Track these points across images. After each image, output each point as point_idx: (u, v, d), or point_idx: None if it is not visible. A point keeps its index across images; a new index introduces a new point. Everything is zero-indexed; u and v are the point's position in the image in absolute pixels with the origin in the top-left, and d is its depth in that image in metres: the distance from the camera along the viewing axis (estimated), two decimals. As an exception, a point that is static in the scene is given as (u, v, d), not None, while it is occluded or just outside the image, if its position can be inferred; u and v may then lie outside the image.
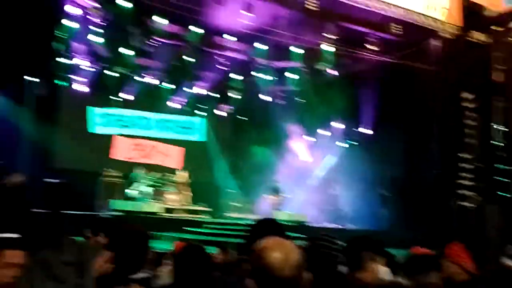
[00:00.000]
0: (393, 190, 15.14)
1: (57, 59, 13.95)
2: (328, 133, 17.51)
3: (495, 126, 11.29)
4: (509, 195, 11.70)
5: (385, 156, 14.98)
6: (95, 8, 12.12)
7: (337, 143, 17.57)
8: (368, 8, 10.53)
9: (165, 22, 12.96)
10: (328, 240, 2.73)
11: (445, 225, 11.84)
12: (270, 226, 2.55)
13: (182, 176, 16.13)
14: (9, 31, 11.31)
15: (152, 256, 2.63)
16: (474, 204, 11.80)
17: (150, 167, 16.23)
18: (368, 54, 12.84)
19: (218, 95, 17.94)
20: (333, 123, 17.22)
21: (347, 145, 17.48)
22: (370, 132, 16.27)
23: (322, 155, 18.06)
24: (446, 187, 12.40)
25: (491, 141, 11.38)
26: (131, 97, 16.54)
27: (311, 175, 18.04)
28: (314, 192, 17.36)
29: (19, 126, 13.73)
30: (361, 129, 16.55)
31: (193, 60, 14.91)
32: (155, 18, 12.86)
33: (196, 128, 18.78)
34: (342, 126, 17.24)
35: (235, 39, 13.73)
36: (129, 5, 12.17)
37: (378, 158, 15.12)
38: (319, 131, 17.75)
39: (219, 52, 14.98)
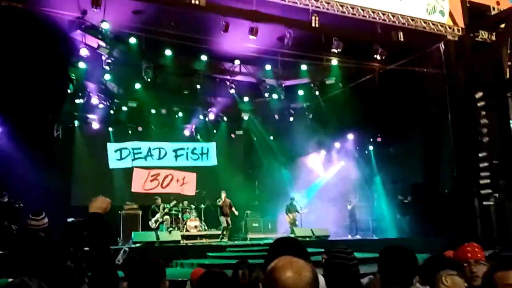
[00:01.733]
0: (413, 196, 15.10)
1: (75, 100, 14.30)
2: (343, 145, 17.62)
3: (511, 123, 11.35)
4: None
5: (402, 163, 15.01)
6: (104, 47, 12.41)
7: (350, 154, 17.64)
8: (372, 20, 10.74)
9: (173, 53, 13.26)
10: (343, 252, 2.84)
11: (468, 226, 11.78)
12: (288, 244, 2.50)
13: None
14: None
15: (168, 285, 2.69)
16: (494, 202, 11.74)
17: (169, 196, 16.34)
18: (375, 64, 13.01)
19: (228, 119, 18.16)
20: (347, 135, 17.33)
21: (361, 155, 17.54)
22: (385, 140, 16.32)
23: (338, 168, 18.12)
24: (466, 188, 12.38)
25: (509, 138, 11.40)
26: (146, 129, 16.83)
27: (328, 189, 18.06)
28: (333, 206, 17.36)
29: (38, 167, 13.96)
30: (375, 138, 16.62)
31: (203, 87, 15.15)
32: (163, 50, 13.17)
33: (209, 153, 18.94)
34: (357, 137, 17.34)
35: (243, 62, 13.95)
36: (136, 41, 12.56)
37: (393, 166, 15.16)
38: (334, 143, 17.86)
39: (228, 77, 15.21)
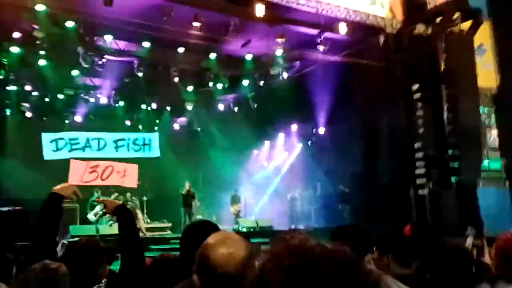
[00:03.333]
0: (352, 186, 15.53)
1: (6, 87, 13.45)
2: (287, 136, 17.81)
3: (445, 114, 11.86)
4: (461, 179, 12.24)
5: (341, 153, 15.37)
6: (39, 30, 11.74)
7: (294, 144, 17.88)
8: (315, 11, 10.86)
9: (112, 39, 12.78)
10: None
11: (404, 215, 12.23)
12: (203, 230, 2.48)
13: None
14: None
15: (108, 272, 2.65)
16: (428, 192, 12.24)
17: (109, 188, 15.83)
18: (317, 55, 13.19)
19: (172, 109, 17.82)
20: (290, 125, 17.52)
21: (304, 146, 17.82)
22: (325, 131, 16.67)
23: (280, 158, 18.31)
24: (403, 178, 12.84)
25: (442, 129, 11.93)
26: (84, 119, 16.15)
27: (271, 179, 18.23)
28: (276, 196, 17.56)
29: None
30: (316, 129, 16.93)
31: (145, 75, 14.73)
32: (102, 35, 12.65)
33: (151, 144, 18.50)
34: (300, 128, 17.57)
35: (187, 50, 13.68)
36: (73, 24, 11.92)
37: (335, 156, 15.50)
38: (278, 134, 18.00)
39: (171, 66, 14.86)
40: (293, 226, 15.88)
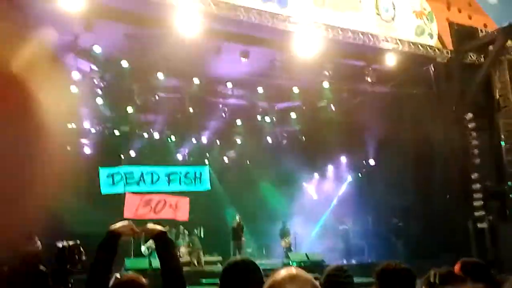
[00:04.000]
0: (405, 218, 14.99)
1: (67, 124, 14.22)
2: (336, 168, 17.61)
3: (503, 144, 11.39)
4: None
5: (393, 184, 14.95)
6: (96, 71, 12.45)
7: (344, 176, 17.61)
8: (362, 43, 10.86)
9: (165, 76, 13.30)
10: (338, 270, 2.85)
11: (463, 249, 11.67)
12: (243, 269, 2.41)
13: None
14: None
15: None
16: (488, 225, 11.67)
17: (162, 222, 16.13)
18: (365, 86, 13.12)
19: (221, 142, 18.15)
20: (340, 158, 17.33)
21: (354, 178, 17.50)
22: (376, 162, 16.32)
23: (331, 191, 18.05)
24: (459, 210, 12.31)
25: (500, 159, 11.43)
26: (138, 153, 16.76)
27: (322, 212, 17.94)
28: (326, 229, 17.22)
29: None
30: (366, 160, 16.63)
31: (195, 110, 15.16)
32: (155, 73, 13.20)
33: (202, 177, 18.80)
34: (350, 159, 17.34)
35: (235, 85, 14.01)
36: (128, 64, 12.59)
37: (386, 188, 15.10)
38: (327, 166, 17.83)
39: (221, 100, 15.24)
40: (345, 261, 15.45)
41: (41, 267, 4.70)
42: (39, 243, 4.69)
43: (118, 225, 2.57)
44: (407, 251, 14.31)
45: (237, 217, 15.34)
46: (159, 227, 2.69)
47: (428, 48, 11.59)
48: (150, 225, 2.68)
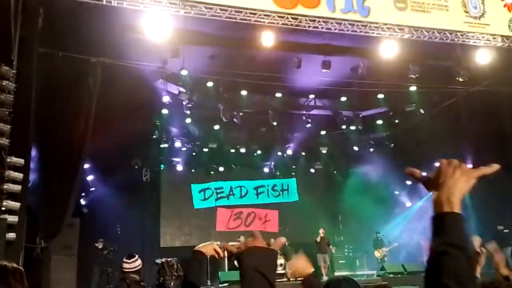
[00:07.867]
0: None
1: (160, 145, 15.15)
2: (430, 174, 16.77)
3: None
4: None
5: (495, 189, 13.85)
6: (184, 93, 13.05)
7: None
8: (450, 42, 10.30)
9: (248, 93, 13.64)
10: None
11: None
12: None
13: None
14: (115, 127, 12.41)
15: None
16: None
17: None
18: (456, 86, 12.43)
19: (307, 153, 18.12)
20: (433, 163, 16.46)
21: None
22: (476, 165, 15.22)
23: (426, 198, 17.19)
24: None
25: None
26: (227, 168, 17.30)
27: (417, 221, 17.13)
28: (424, 238, 16.38)
29: (130, 211, 14.71)
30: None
31: (280, 124, 15.30)
32: (239, 91, 13.59)
33: (289, 189, 18.92)
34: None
35: (318, 96, 13.98)
36: (213, 84, 13.12)
37: (487, 193, 14.03)
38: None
39: (304, 112, 15.27)
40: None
41: (142, 283, 5.01)
42: (139, 261, 4.99)
43: (202, 245, 2.68)
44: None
45: (321, 231, 15.09)
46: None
47: (525, 40, 10.69)
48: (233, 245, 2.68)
